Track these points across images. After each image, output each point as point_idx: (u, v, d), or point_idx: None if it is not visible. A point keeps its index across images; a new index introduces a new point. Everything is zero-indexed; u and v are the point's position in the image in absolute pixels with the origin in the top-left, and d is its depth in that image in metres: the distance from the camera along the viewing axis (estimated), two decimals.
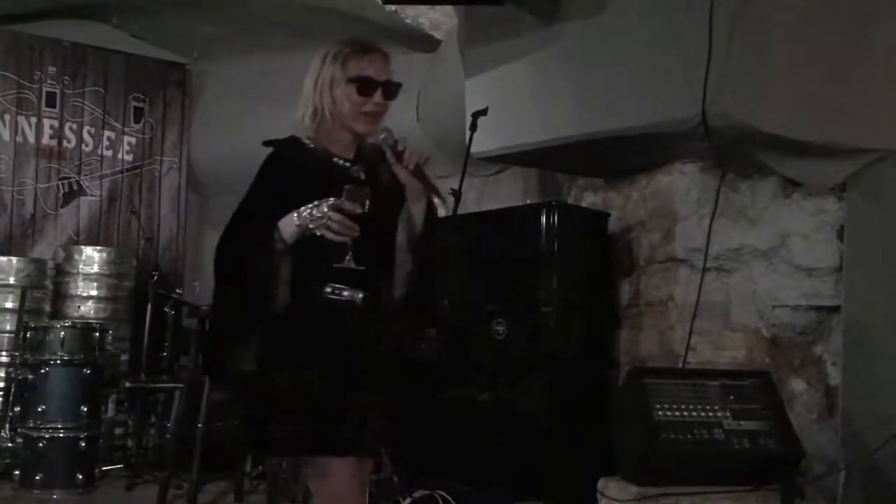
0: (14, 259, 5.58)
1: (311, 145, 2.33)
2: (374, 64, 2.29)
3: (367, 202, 2.12)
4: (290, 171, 2.29)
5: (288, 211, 2.16)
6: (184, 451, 4.27)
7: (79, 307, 5.72)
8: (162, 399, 5.22)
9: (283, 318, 2.20)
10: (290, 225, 2.15)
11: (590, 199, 4.69)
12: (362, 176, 2.30)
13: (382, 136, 2.22)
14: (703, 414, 3.24)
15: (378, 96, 2.28)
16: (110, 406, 5.18)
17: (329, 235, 2.11)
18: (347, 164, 2.32)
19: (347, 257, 2.16)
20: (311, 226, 2.11)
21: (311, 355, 2.18)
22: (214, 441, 4.33)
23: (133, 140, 6.72)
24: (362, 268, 2.17)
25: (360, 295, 2.20)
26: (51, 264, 5.80)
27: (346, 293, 2.20)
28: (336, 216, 2.10)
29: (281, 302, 2.20)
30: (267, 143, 2.39)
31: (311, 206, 2.13)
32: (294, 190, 2.21)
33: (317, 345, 2.19)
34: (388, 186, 2.26)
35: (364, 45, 2.33)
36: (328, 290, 2.20)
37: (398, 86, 2.32)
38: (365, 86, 2.26)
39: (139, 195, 6.71)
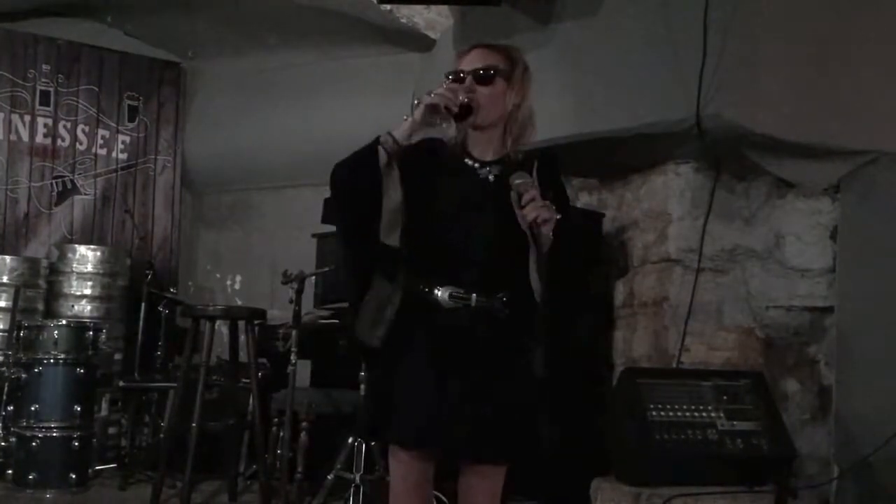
0: (7, 258, 5.56)
1: (451, 147, 2.30)
2: (466, 58, 2.27)
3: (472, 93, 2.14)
4: (424, 152, 2.29)
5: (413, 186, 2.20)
6: (177, 451, 4.26)
7: (72, 306, 5.70)
8: (155, 398, 5.21)
9: (400, 310, 2.20)
10: (399, 125, 2.17)
11: (584, 200, 4.70)
12: (490, 178, 2.23)
13: (518, 181, 2.08)
14: (696, 414, 3.25)
15: (468, 84, 2.21)
16: (104, 405, 5.17)
17: (428, 100, 2.10)
18: (476, 164, 2.25)
19: (446, 125, 2.14)
20: (416, 113, 2.12)
21: (418, 351, 2.17)
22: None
23: (127, 139, 6.70)
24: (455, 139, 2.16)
25: (466, 296, 2.15)
26: (44, 263, 5.78)
27: (454, 293, 2.15)
28: (441, 89, 2.11)
29: (391, 230, 2.20)
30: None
31: None
32: (419, 167, 2.23)
33: (424, 340, 2.18)
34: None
35: (469, 46, 2.32)
36: (438, 292, 2.16)
37: (488, 70, 2.22)
38: (455, 80, 2.23)
39: (133, 194, 6.69)
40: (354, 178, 2.19)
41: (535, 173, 2.20)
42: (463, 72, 2.23)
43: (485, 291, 2.16)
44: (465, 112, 2.16)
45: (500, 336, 2.17)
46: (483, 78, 2.22)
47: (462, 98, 2.15)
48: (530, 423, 2.20)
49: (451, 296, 2.16)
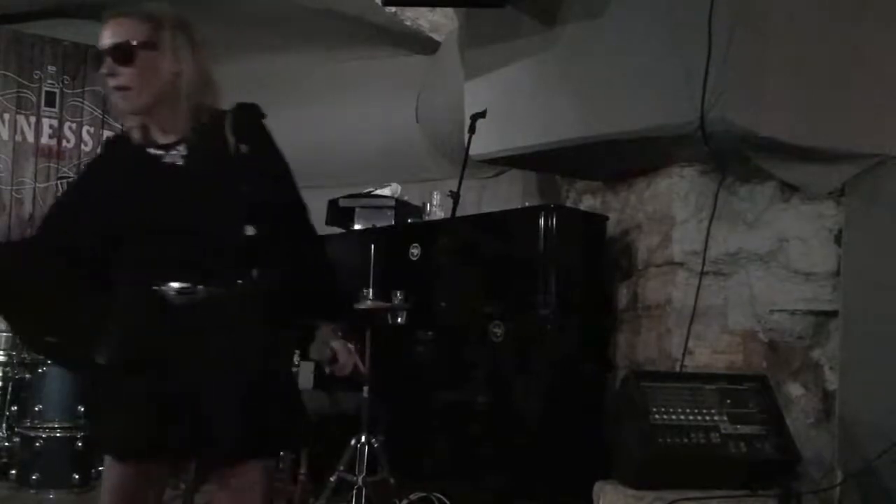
0: None
1: (133, 138, 2.09)
2: (104, 32, 2.00)
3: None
4: (109, 158, 2.20)
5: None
6: None
7: None
8: None
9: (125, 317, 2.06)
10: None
11: (588, 203, 4.70)
12: (178, 162, 2.04)
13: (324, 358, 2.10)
14: (699, 418, 3.24)
15: (108, 65, 1.98)
16: None
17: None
18: (161, 151, 2.06)
19: None
20: None
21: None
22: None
23: None
24: None
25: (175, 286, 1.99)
26: None
27: (181, 289, 2.00)
28: None
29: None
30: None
31: None
32: (105, 176, 2.13)
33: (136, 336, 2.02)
34: (223, 165, 2.03)
35: (107, 15, 2.03)
36: (166, 289, 2.00)
37: (124, 47, 1.97)
38: (100, 60, 2.00)
39: None
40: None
41: (228, 130, 2.07)
42: (102, 50, 1.99)
43: (212, 280, 1.99)
44: None
45: (230, 322, 2.00)
46: (122, 57, 1.97)
47: None
48: (263, 413, 1.99)
49: (178, 291, 1.98)
